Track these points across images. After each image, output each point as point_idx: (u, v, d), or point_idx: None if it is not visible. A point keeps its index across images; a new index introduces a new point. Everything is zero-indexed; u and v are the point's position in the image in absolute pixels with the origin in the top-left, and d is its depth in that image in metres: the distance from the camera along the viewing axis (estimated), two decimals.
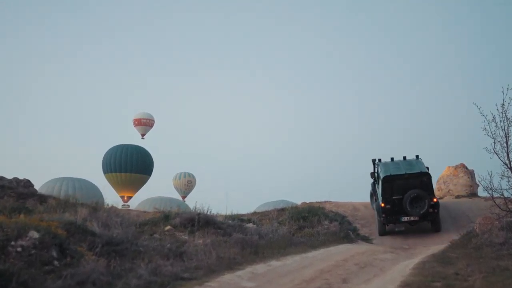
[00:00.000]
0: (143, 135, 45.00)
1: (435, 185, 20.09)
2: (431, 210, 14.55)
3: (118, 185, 40.27)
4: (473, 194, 19.87)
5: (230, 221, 12.87)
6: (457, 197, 19.88)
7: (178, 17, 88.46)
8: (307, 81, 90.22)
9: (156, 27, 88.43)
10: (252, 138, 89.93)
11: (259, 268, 8.39)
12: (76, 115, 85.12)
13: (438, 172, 21.02)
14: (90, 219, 10.17)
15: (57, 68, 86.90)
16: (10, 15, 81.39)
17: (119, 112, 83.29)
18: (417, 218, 14.70)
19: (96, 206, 11.61)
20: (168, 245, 10.22)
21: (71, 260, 7.45)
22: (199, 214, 11.19)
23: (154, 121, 45.72)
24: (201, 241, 10.47)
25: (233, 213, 15.21)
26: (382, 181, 14.86)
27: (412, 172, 15.04)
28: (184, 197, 44.44)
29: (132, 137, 44.87)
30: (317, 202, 19.12)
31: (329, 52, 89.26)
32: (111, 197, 37.69)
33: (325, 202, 19.38)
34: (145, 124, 44.95)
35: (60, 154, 74.15)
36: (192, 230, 10.93)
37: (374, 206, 16.63)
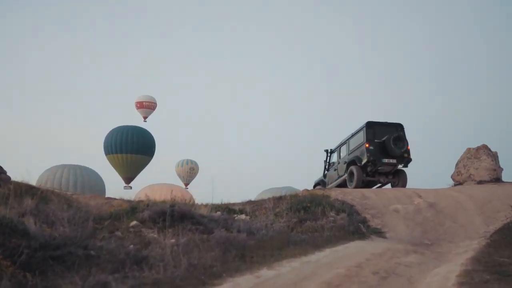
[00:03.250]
0: (145, 117, 44.33)
1: (454, 169, 18.43)
2: (406, 155, 16.98)
3: (119, 167, 39.51)
4: (497, 179, 17.63)
5: (215, 214, 10.63)
6: (480, 182, 17.55)
7: (186, 8, 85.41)
8: (317, 67, 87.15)
9: (161, 9, 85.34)
10: (258, 124, 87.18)
11: (244, 281, 6.16)
12: (78, 98, 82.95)
13: (457, 154, 18.73)
14: (29, 214, 7.94)
15: (57, 52, 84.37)
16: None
17: (121, 95, 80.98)
18: (395, 161, 16.92)
19: (46, 195, 9.30)
20: (131, 246, 8.00)
21: None
22: (172, 205, 8.90)
23: (156, 103, 45.14)
24: (173, 240, 8.24)
25: (222, 203, 12.91)
26: (365, 125, 17.15)
27: (389, 122, 17.75)
28: (186, 185, 43.43)
29: (134, 120, 44.10)
30: (320, 189, 16.81)
31: (341, 41, 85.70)
32: (114, 180, 37.88)
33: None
34: (147, 107, 44.38)
35: (62, 138, 72.22)
36: (164, 226, 8.69)
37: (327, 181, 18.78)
